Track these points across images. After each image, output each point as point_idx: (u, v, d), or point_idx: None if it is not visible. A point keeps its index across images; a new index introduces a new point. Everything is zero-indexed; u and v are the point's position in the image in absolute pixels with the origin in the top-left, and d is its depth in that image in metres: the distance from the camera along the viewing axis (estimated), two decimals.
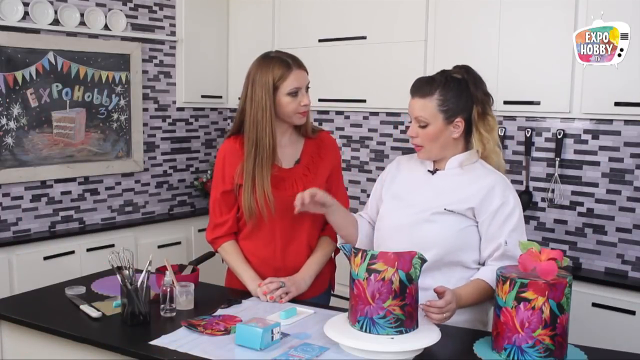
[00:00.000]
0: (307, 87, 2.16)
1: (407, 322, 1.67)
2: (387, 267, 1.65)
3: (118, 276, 1.91)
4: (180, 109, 4.21)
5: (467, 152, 1.97)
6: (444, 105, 1.89)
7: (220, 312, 1.99)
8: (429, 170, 2.01)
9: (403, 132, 3.75)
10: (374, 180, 2.40)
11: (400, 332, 1.66)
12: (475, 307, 1.93)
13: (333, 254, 2.32)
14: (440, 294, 1.75)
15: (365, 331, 1.67)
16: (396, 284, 1.65)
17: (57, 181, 3.59)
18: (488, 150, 1.96)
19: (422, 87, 1.92)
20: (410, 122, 1.96)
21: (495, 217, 1.89)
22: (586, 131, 3.10)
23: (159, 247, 3.86)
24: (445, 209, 1.91)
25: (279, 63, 2.11)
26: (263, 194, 2.10)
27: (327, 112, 4.01)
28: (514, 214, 1.90)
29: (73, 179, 3.66)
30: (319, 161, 2.23)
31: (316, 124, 2.33)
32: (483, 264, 1.94)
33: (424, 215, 1.92)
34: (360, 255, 1.69)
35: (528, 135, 3.25)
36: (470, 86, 1.93)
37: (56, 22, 3.47)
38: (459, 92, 1.91)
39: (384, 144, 3.83)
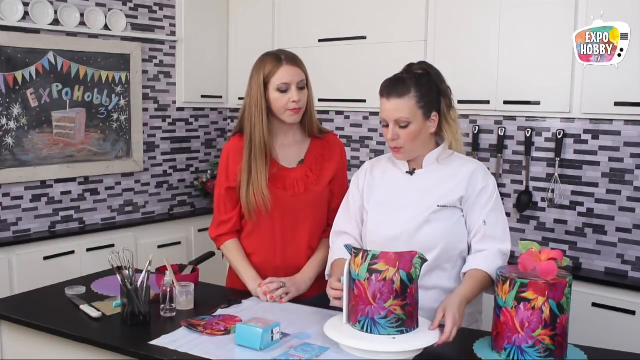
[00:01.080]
0: (302, 86, 2.12)
1: (408, 321, 1.67)
2: (388, 267, 1.65)
3: (118, 276, 1.91)
4: (180, 109, 4.21)
5: (440, 147, 1.97)
6: (421, 101, 1.87)
7: (220, 312, 1.99)
8: (407, 172, 1.99)
9: None
10: None
11: (402, 332, 1.66)
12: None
13: None
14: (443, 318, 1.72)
15: (367, 331, 1.67)
16: (397, 284, 1.65)
17: (57, 181, 3.59)
18: (457, 139, 1.98)
19: (396, 86, 1.88)
20: (386, 126, 1.91)
21: (477, 200, 1.91)
22: (586, 131, 3.10)
23: (159, 247, 3.86)
24: (438, 206, 1.90)
25: (271, 58, 2.11)
26: (260, 190, 2.10)
27: (327, 112, 4.01)
28: (493, 196, 1.93)
29: (73, 179, 3.66)
30: (323, 163, 2.22)
31: None
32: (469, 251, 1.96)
33: (421, 218, 1.91)
34: (361, 255, 1.69)
35: (528, 135, 3.25)
36: (436, 80, 1.93)
37: (56, 22, 3.47)
38: (430, 87, 1.90)
39: (384, 144, 3.83)
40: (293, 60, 2.12)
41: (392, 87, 1.89)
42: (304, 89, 2.13)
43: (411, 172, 1.98)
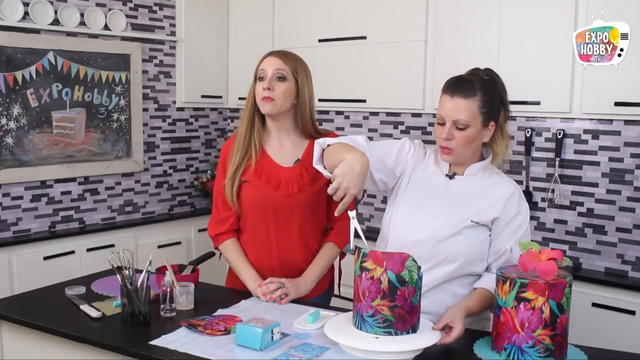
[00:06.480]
0: (280, 75, 2.10)
1: (397, 324, 1.64)
2: (375, 267, 1.64)
3: (118, 276, 1.91)
4: (180, 109, 4.21)
5: (487, 159, 1.92)
6: (484, 107, 1.81)
7: (220, 312, 1.99)
8: (446, 175, 1.93)
9: (403, 132, 3.75)
10: None
11: (389, 334, 1.64)
12: None
13: (338, 258, 2.30)
14: (450, 329, 1.73)
15: (357, 328, 1.68)
16: (385, 284, 1.63)
17: (57, 181, 3.59)
18: (506, 153, 1.92)
19: (463, 86, 1.80)
20: (441, 123, 1.83)
21: (508, 225, 1.87)
22: (586, 131, 3.10)
23: (159, 247, 3.86)
24: (472, 221, 1.86)
25: (266, 54, 2.18)
26: (230, 182, 2.15)
27: (327, 112, 4.01)
28: (524, 224, 1.89)
29: (73, 179, 3.66)
30: None
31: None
32: (487, 269, 1.93)
33: (452, 229, 1.86)
34: (356, 252, 1.70)
35: (528, 135, 3.25)
36: (500, 90, 1.87)
37: (56, 22, 3.48)
38: (494, 95, 1.84)
39: None
40: (280, 53, 2.17)
41: (458, 85, 1.82)
42: (283, 80, 2.11)
43: (451, 176, 1.93)
